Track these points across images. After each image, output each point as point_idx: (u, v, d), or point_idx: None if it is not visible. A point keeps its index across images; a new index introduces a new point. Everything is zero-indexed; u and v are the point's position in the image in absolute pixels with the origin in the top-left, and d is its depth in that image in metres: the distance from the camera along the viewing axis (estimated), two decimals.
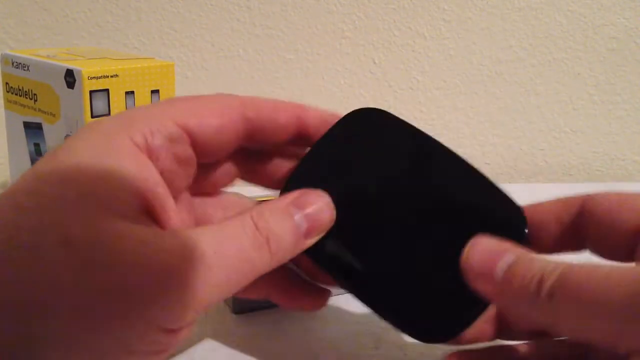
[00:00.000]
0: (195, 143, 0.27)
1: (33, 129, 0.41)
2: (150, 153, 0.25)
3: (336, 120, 0.30)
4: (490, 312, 0.28)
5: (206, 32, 0.59)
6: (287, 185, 0.29)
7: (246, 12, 0.59)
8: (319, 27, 0.60)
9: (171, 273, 0.21)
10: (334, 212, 0.28)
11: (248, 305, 0.35)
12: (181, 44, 0.59)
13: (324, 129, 0.30)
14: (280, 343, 0.32)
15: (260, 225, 0.25)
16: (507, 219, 0.27)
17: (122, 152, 0.24)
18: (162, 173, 0.25)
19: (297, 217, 0.26)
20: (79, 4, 0.57)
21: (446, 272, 0.26)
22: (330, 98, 0.61)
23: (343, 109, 0.30)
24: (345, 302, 0.35)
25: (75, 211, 0.21)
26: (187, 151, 0.26)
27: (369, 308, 0.28)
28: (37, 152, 0.41)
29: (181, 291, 0.21)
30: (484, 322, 0.29)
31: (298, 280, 0.31)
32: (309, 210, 0.27)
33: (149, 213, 0.23)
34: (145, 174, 0.24)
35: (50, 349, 0.20)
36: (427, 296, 0.27)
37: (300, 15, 0.59)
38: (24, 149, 0.42)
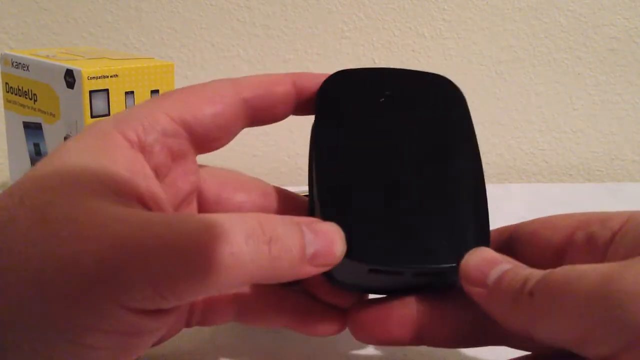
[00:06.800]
0: (194, 134, 0.27)
1: (33, 129, 0.41)
2: (143, 149, 0.25)
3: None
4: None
5: (206, 32, 0.59)
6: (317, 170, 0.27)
7: (246, 12, 0.59)
8: (319, 27, 0.60)
9: (143, 252, 0.20)
10: (345, 248, 0.24)
11: None
12: (181, 44, 0.59)
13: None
14: (279, 343, 0.32)
15: (266, 228, 0.22)
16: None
17: (113, 149, 0.24)
18: (157, 168, 0.25)
19: (308, 237, 0.23)
20: (79, 4, 0.57)
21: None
22: None
23: None
24: None
25: (56, 195, 0.21)
26: (183, 145, 0.26)
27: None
28: (36, 152, 0.41)
29: (147, 273, 0.20)
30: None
31: (314, 305, 0.29)
32: (321, 237, 0.24)
33: (139, 204, 0.23)
34: (136, 167, 0.24)
35: (6, 323, 0.20)
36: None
37: (300, 15, 0.59)
38: (23, 149, 0.42)
